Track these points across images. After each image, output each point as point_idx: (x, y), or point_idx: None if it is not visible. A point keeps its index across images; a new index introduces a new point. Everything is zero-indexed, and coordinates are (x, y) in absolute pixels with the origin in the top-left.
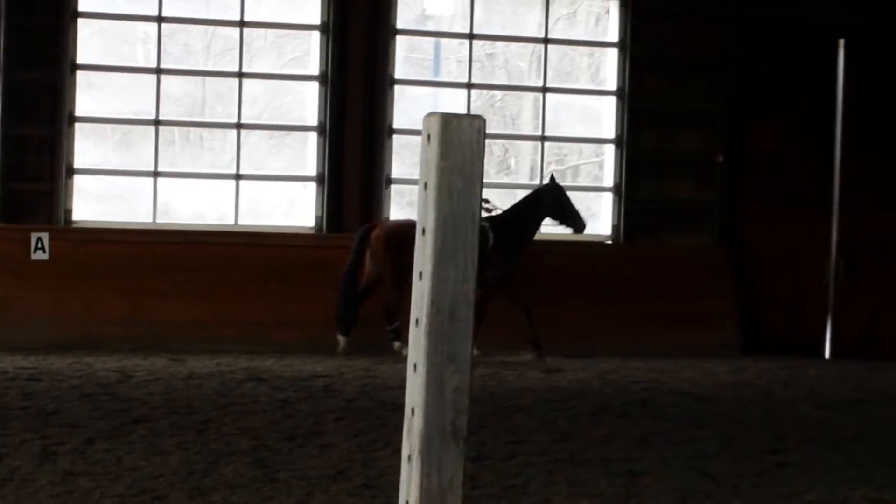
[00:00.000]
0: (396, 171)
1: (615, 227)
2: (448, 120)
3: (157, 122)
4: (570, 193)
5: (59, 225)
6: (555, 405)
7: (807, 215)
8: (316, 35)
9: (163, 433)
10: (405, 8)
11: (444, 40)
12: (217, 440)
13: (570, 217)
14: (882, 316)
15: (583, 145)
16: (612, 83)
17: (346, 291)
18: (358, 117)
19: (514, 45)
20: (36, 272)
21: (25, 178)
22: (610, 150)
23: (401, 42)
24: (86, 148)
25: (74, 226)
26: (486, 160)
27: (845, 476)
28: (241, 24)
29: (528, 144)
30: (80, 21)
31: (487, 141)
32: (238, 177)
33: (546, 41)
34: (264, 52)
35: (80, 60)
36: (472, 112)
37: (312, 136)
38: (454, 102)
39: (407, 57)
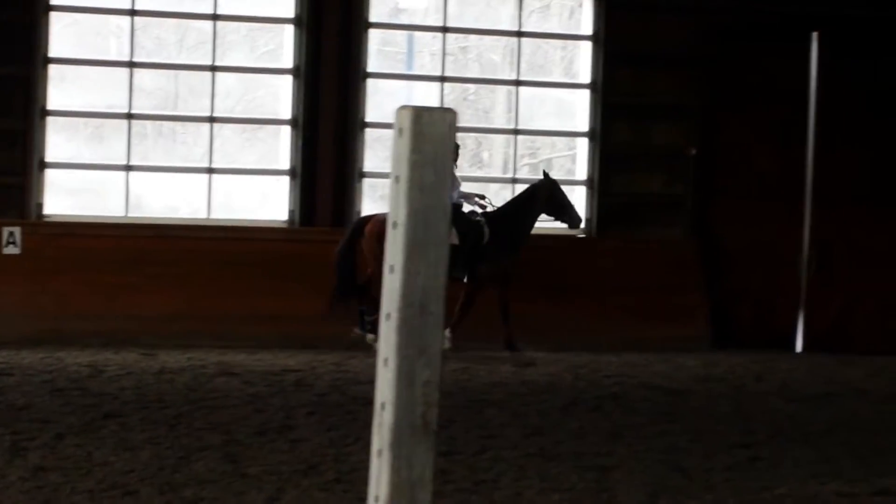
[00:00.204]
0: (369, 164)
1: (588, 221)
2: (419, 113)
3: (129, 116)
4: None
5: (30, 219)
6: (526, 399)
7: (779, 209)
8: (289, 28)
9: (134, 428)
10: (378, 1)
11: (418, 33)
12: (188, 435)
13: (566, 212)
14: (853, 310)
15: (556, 139)
16: (585, 76)
17: (341, 287)
18: (331, 111)
19: (487, 38)
20: (7, 266)
21: None
22: (583, 144)
23: (374, 35)
24: (58, 142)
25: (46, 220)
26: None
27: (816, 470)
28: (215, 17)
29: (502, 138)
30: (53, 14)
31: (461, 134)
32: (211, 170)
33: (519, 34)
34: (237, 45)
35: (52, 54)
36: (446, 105)
37: (285, 130)
38: (427, 96)
39: (380, 50)
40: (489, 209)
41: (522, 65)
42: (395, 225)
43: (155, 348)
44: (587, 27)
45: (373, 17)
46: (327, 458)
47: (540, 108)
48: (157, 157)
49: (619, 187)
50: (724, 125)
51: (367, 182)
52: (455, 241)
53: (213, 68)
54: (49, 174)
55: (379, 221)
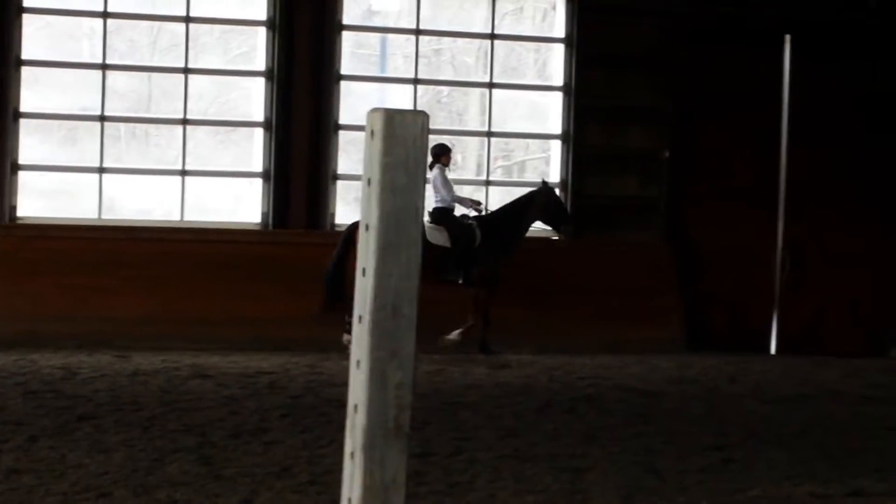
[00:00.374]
0: (343, 166)
1: None
2: (391, 116)
3: (102, 118)
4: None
5: (3, 221)
6: (501, 401)
7: (752, 212)
8: (262, 31)
9: (107, 430)
10: (351, 3)
11: (391, 36)
12: (162, 437)
13: (561, 220)
14: (826, 311)
15: (529, 141)
16: (558, 79)
17: (330, 290)
18: (304, 113)
19: (460, 40)
20: None
21: None
22: (556, 146)
23: (347, 38)
24: (31, 144)
25: (19, 222)
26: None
27: (790, 471)
28: (188, 19)
29: (475, 140)
30: (25, 17)
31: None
32: (184, 173)
33: (493, 37)
34: (210, 47)
35: (25, 56)
36: (419, 108)
37: (259, 132)
38: (401, 98)
39: (353, 52)
40: (483, 213)
41: (496, 67)
42: (367, 227)
43: (129, 350)
44: (560, 30)
45: (346, 19)
46: (301, 461)
47: (513, 111)
48: (130, 160)
49: (593, 190)
50: (697, 128)
51: (340, 184)
52: (447, 243)
53: (186, 70)
54: (22, 176)
55: None
